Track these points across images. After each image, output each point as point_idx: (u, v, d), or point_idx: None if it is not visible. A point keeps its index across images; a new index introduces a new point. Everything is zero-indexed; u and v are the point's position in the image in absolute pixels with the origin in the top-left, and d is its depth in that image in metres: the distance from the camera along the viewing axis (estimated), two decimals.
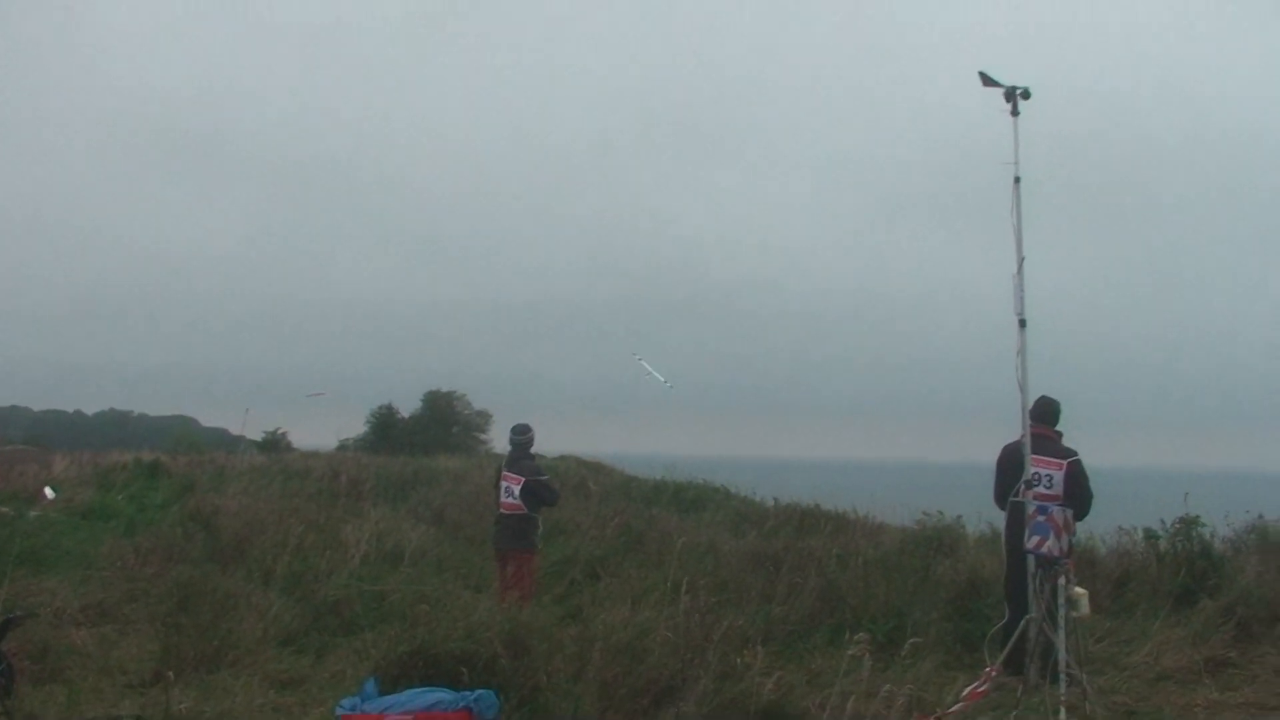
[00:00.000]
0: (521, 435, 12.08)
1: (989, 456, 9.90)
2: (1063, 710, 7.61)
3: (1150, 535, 12.30)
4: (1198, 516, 12.26)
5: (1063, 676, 7.94)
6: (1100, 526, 12.65)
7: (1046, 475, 9.14)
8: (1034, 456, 8.95)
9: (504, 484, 11.86)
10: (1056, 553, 8.29)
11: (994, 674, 8.37)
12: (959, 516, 14.60)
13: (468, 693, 7.31)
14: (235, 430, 48.94)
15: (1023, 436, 8.91)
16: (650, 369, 13.74)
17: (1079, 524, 9.51)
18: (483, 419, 56.84)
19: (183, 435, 56.07)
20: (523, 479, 11.66)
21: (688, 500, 22.30)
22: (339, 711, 7.36)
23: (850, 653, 7.77)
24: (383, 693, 7.47)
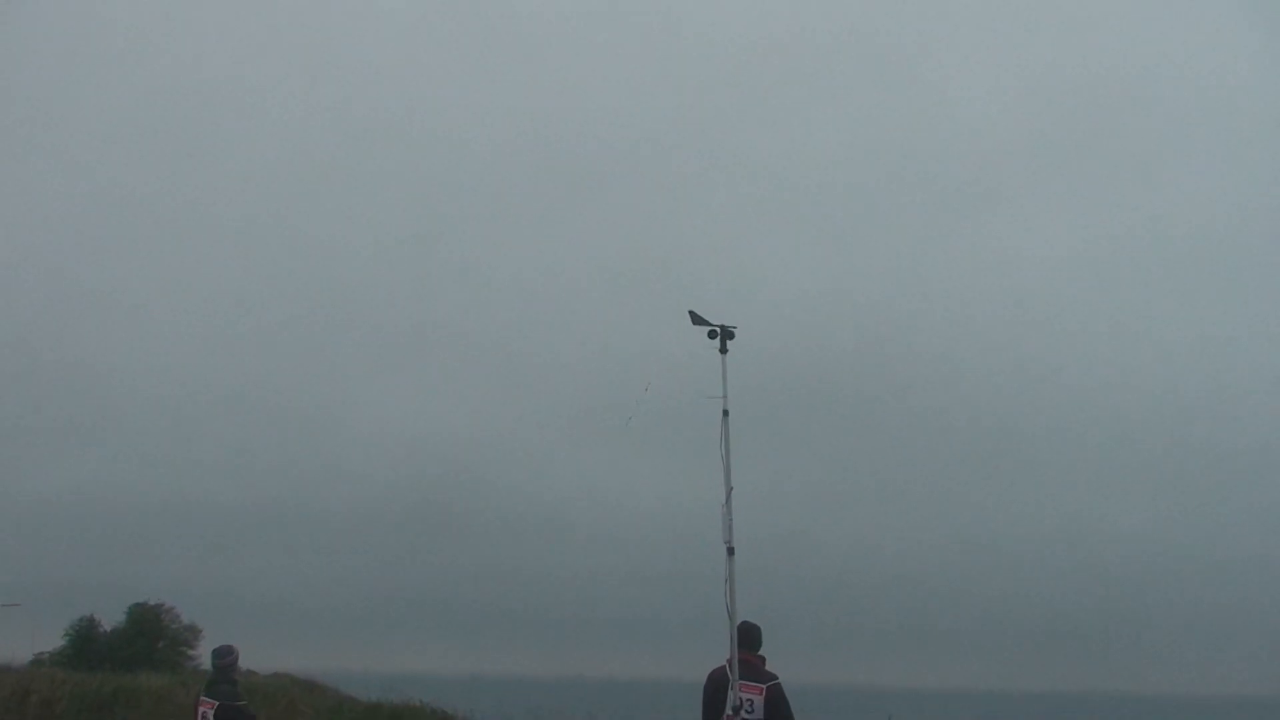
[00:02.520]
0: (223, 659, 11.55)
1: (697, 675, 9.99)
2: None
3: None
4: None
5: None
6: None
7: (747, 700, 9.26)
8: (739, 682, 9.12)
9: (200, 709, 11.29)
10: None
11: None
12: None
13: None
14: None
15: (729, 662, 9.10)
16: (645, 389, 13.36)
17: None
18: (192, 634, 53.80)
19: None
20: (216, 703, 11.14)
21: None
22: None
23: None
24: None
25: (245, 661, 12.18)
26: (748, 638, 9.73)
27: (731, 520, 9.05)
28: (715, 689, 9.59)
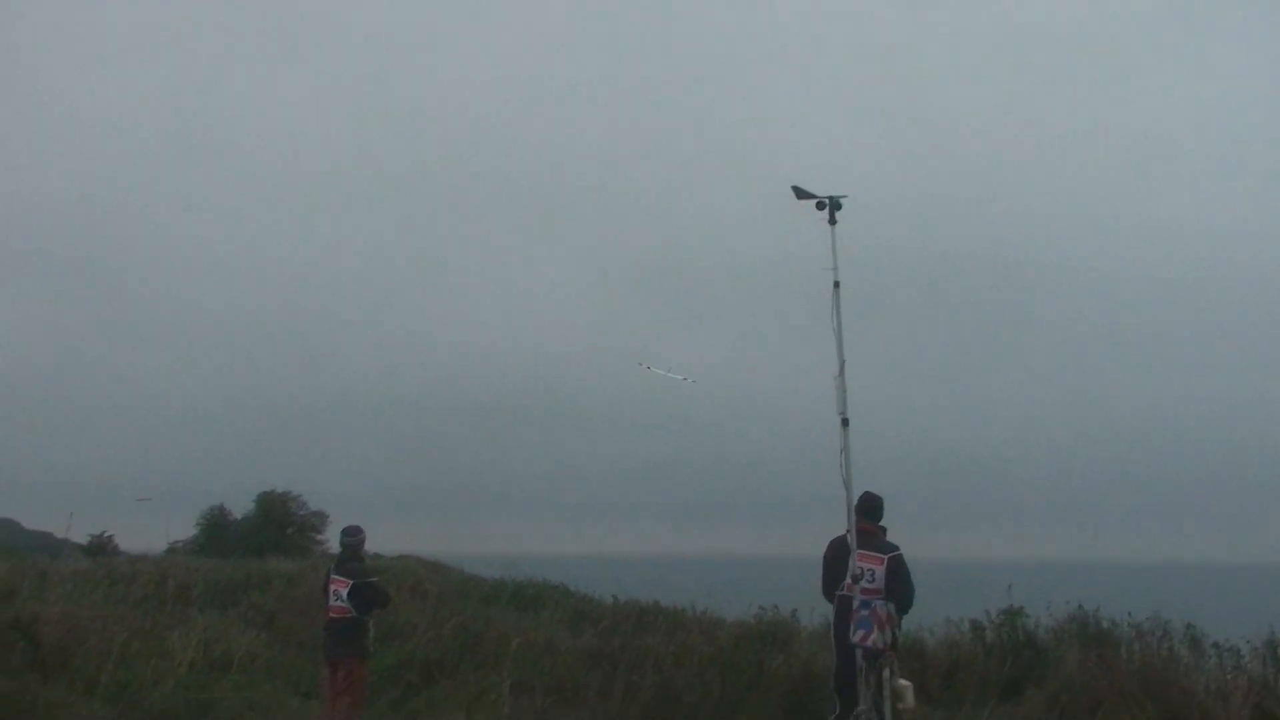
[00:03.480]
0: (351, 537, 11.84)
1: (817, 551, 10.09)
2: None
3: (977, 627, 12.68)
4: (1021, 607, 12.71)
5: None
6: (929, 619, 12.97)
7: (869, 570, 9.32)
8: (858, 552, 9.17)
9: (332, 588, 11.59)
10: (880, 646, 8.50)
11: None
12: (794, 611, 14.78)
13: None
14: (60, 534, 46.78)
15: (848, 532, 9.14)
16: (664, 372, 13.70)
17: (907, 616, 9.78)
18: (318, 519, 55.46)
19: (2, 540, 53.41)
20: (350, 582, 11.44)
21: (527, 599, 22.10)
22: None
23: None
24: None
25: (370, 545, 12.48)
26: (868, 508, 9.79)
27: (845, 392, 9.02)
28: (835, 556, 9.67)
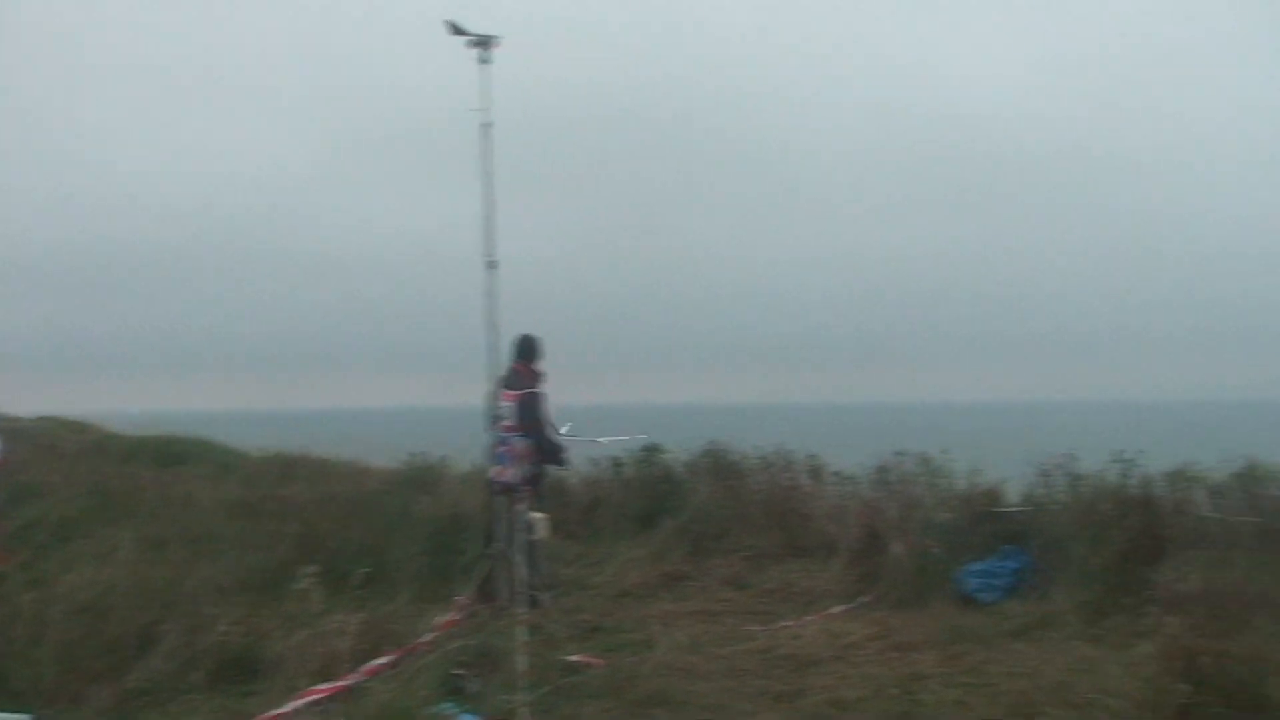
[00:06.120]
0: None
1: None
2: (523, 631, 7.93)
3: (617, 464, 13.23)
4: (660, 444, 13.36)
5: (527, 599, 8.37)
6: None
7: (508, 408, 9.53)
8: (503, 391, 9.37)
9: None
10: (517, 480, 8.74)
11: (466, 603, 8.71)
12: (443, 456, 14.90)
13: None
14: None
15: (499, 377, 9.32)
16: (607, 440, 13.48)
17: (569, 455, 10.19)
18: None
19: None
20: None
21: (171, 455, 21.27)
22: None
23: (299, 587, 7.89)
24: None
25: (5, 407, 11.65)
26: (521, 349, 9.95)
27: (492, 235, 9.03)
28: (489, 401, 9.81)
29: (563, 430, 9.86)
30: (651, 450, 13.19)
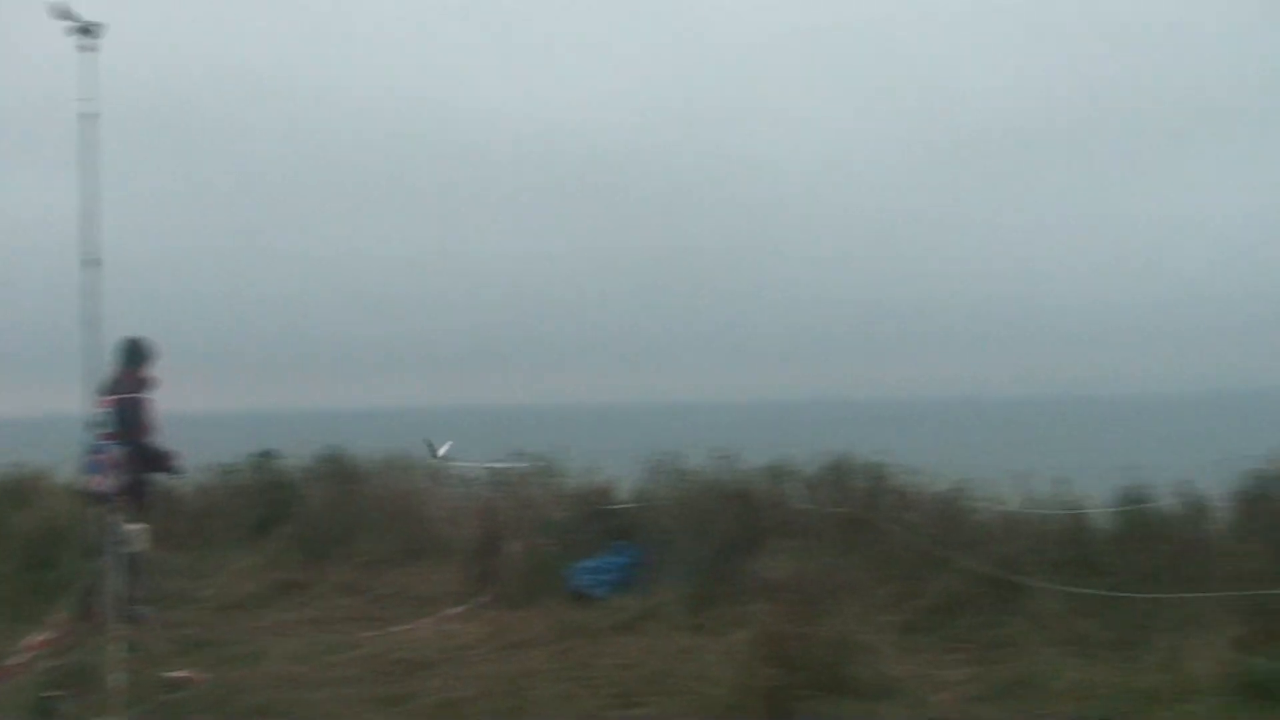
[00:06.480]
0: None
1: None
2: (120, 648, 7.59)
3: (228, 470, 12.86)
4: (273, 450, 13.08)
5: (126, 614, 8.01)
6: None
7: (105, 414, 9.09)
8: (103, 398, 8.92)
9: None
10: (112, 490, 8.37)
11: (62, 621, 8.27)
12: (40, 468, 13.94)
13: None
14: None
15: (105, 383, 8.88)
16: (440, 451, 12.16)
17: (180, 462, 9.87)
18: None
19: None
20: None
21: None
22: None
23: None
24: None
25: None
26: (127, 353, 9.55)
27: (95, 231, 8.59)
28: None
29: (441, 451, 9.52)
30: (265, 456, 12.90)
